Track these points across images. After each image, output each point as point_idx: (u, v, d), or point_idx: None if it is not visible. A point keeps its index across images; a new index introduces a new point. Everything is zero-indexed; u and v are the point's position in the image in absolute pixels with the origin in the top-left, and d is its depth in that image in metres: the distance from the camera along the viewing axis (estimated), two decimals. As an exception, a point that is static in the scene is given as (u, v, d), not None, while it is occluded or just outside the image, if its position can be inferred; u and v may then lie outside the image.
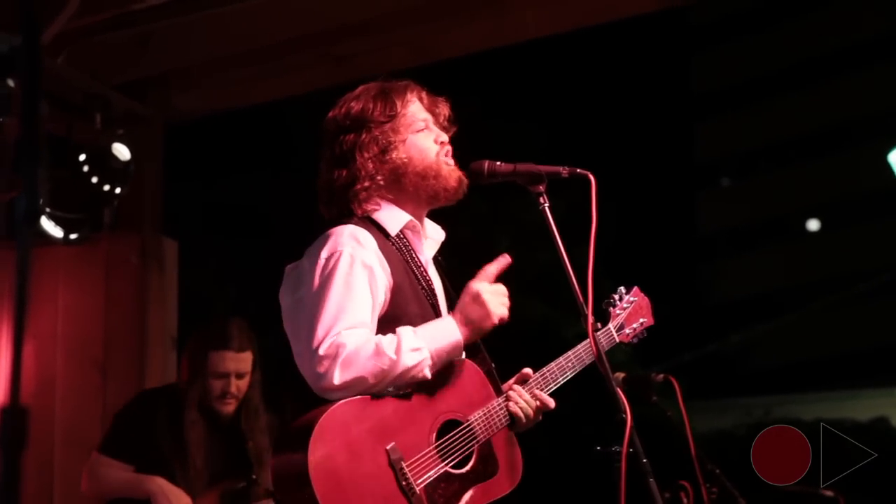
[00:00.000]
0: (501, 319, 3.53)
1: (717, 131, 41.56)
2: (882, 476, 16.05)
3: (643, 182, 33.95)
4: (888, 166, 17.23)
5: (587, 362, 3.87)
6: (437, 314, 3.67)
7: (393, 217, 3.69)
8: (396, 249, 3.65)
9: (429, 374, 3.42)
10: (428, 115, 3.82)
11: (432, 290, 3.71)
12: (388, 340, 3.36)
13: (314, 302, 3.41)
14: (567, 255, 3.49)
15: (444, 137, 3.80)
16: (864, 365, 32.78)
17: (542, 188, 3.60)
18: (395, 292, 3.55)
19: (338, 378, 3.29)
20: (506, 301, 3.57)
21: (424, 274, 3.72)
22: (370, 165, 3.66)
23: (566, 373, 3.83)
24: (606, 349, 4.02)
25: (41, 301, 7.38)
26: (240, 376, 5.49)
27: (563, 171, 3.60)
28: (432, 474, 3.42)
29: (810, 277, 37.54)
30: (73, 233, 6.93)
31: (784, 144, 39.76)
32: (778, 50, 39.26)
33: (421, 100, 3.83)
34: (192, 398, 5.46)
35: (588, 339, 3.90)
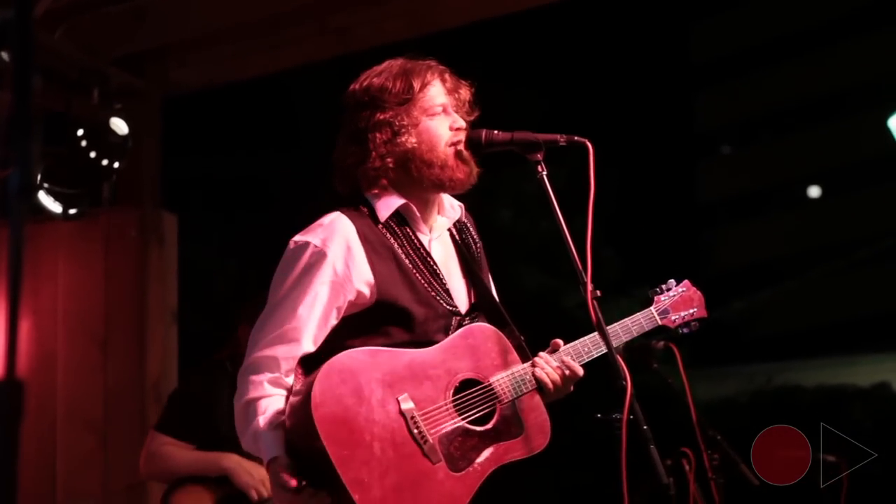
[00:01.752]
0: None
1: (718, 99, 41.46)
2: (883, 441, 16.08)
3: (643, 151, 33.91)
4: (888, 132, 17.23)
5: (624, 339, 3.90)
6: (439, 295, 3.67)
7: (387, 203, 3.68)
8: (388, 234, 3.65)
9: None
10: (447, 99, 3.76)
11: (434, 271, 3.68)
12: (257, 411, 3.47)
13: (270, 300, 3.59)
14: (567, 224, 3.48)
15: (461, 123, 3.75)
16: (865, 331, 32.75)
17: (539, 156, 3.59)
18: (380, 281, 3.54)
19: (240, 382, 3.52)
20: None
21: (425, 256, 3.69)
22: (382, 147, 3.65)
23: (599, 347, 3.80)
24: (647, 330, 4.05)
25: (41, 277, 7.38)
26: None
27: (561, 139, 3.59)
28: (447, 427, 3.45)
29: (811, 244, 37.53)
30: (72, 208, 6.93)
31: (784, 112, 39.67)
32: (777, 17, 39.14)
33: (443, 82, 3.78)
34: None
35: (626, 319, 3.96)
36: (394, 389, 3.38)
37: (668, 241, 34.56)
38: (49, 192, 6.82)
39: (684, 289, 4.26)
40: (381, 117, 3.66)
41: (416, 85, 3.70)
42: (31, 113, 1.68)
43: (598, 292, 3.44)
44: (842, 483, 5.93)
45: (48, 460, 7.14)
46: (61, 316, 7.42)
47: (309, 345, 3.48)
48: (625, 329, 3.92)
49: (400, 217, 3.70)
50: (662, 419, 4.15)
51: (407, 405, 3.37)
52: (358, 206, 3.67)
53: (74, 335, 7.39)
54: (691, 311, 4.22)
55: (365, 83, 3.75)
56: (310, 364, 3.47)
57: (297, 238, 3.58)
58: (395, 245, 3.64)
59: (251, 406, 3.43)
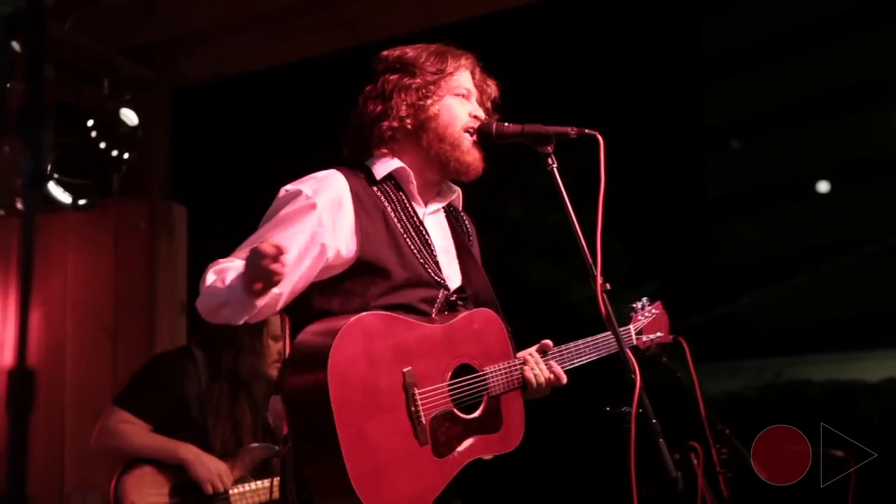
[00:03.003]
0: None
1: (727, 93, 41.41)
2: (892, 436, 16.06)
3: (653, 145, 33.88)
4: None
5: (612, 350, 3.91)
6: (426, 263, 3.65)
7: (384, 164, 3.70)
8: (383, 196, 3.65)
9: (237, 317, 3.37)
10: (473, 89, 3.83)
11: (424, 240, 3.68)
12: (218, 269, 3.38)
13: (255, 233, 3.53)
14: (576, 217, 3.48)
15: (481, 114, 3.79)
16: (874, 326, 32.72)
17: (550, 149, 3.60)
18: (363, 237, 3.52)
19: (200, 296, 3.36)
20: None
21: (417, 225, 3.69)
22: (403, 108, 3.68)
23: (589, 355, 3.89)
24: (623, 348, 4.08)
25: (51, 267, 7.39)
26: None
27: (571, 131, 3.59)
28: (440, 410, 3.43)
29: (820, 239, 37.48)
30: (81, 199, 6.94)
31: (793, 106, 39.59)
32: (787, 12, 39.06)
33: (473, 74, 3.85)
34: (256, 363, 5.49)
35: (621, 329, 3.96)
36: (402, 361, 3.36)
37: (677, 236, 34.55)
38: (59, 182, 6.83)
39: (657, 311, 4.38)
40: (409, 82, 3.71)
41: (451, 64, 3.76)
42: (43, 102, 1.68)
43: (608, 286, 3.44)
44: (850, 478, 5.92)
45: (57, 450, 7.15)
46: (70, 306, 7.43)
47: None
48: (601, 344, 3.99)
49: (396, 183, 3.72)
50: (671, 413, 4.14)
51: (410, 380, 3.35)
52: (354, 166, 3.69)
53: (83, 326, 7.40)
54: (658, 334, 4.35)
55: (398, 52, 3.81)
56: (293, 326, 3.45)
57: (289, 186, 3.57)
58: (388, 208, 3.64)
59: (213, 281, 3.35)
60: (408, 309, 3.54)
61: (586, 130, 3.57)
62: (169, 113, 8.00)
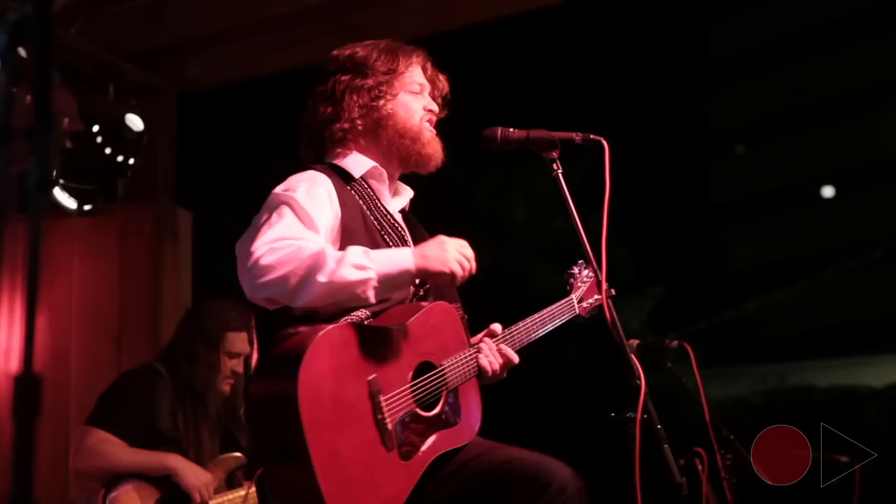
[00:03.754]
0: (454, 272, 3.42)
1: (732, 98, 41.39)
2: (897, 442, 16.03)
3: (658, 149, 33.85)
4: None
5: (559, 322, 3.96)
6: None
7: (357, 163, 3.72)
8: (357, 195, 3.65)
9: (372, 297, 3.32)
10: (426, 83, 3.87)
11: (400, 237, 3.70)
12: (331, 250, 3.31)
13: (261, 225, 3.41)
14: (581, 222, 3.49)
15: (434, 107, 3.86)
16: (878, 331, 32.66)
17: (555, 154, 3.61)
18: (346, 235, 3.52)
19: (266, 267, 3.25)
20: (464, 259, 3.46)
21: (392, 222, 3.71)
22: (355, 110, 3.71)
23: (538, 330, 3.89)
24: (567, 319, 4.09)
25: (56, 272, 7.40)
26: (243, 357, 5.61)
27: (577, 137, 3.61)
28: (404, 413, 3.42)
29: (825, 244, 37.45)
30: (87, 204, 6.95)
31: (798, 111, 39.58)
32: (792, 16, 39.05)
33: (424, 69, 3.89)
34: (211, 377, 5.51)
35: (563, 300, 4.06)
36: (366, 370, 3.33)
37: (682, 240, 34.52)
38: (64, 187, 6.84)
39: (592, 275, 4.27)
40: (361, 83, 3.74)
41: (402, 62, 3.80)
42: (50, 109, 1.69)
43: (613, 291, 3.44)
44: (854, 484, 5.91)
45: (61, 456, 7.14)
46: (75, 312, 7.44)
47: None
48: (561, 310, 4.03)
49: (367, 181, 3.73)
50: (676, 419, 4.14)
51: (375, 388, 3.33)
52: (327, 167, 3.69)
53: (88, 331, 7.41)
54: (597, 297, 4.24)
55: (348, 51, 3.84)
56: (277, 321, 3.42)
57: (278, 190, 3.53)
58: (363, 206, 3.65)
59: (325, 251, 3.28)
60: (385, 302, 3.52)
61: (591, 136, 3.58)
62: (174, 118, 8.01)
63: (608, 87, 31.57)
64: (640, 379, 3.31)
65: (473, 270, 3.50)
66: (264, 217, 3.44)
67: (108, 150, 6.92)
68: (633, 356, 3.38)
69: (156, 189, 7.73)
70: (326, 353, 3.24)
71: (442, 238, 3.48)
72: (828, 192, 40.94)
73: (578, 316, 4.19)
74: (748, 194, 40.98)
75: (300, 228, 3.38)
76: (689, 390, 5.13)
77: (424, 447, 3.47)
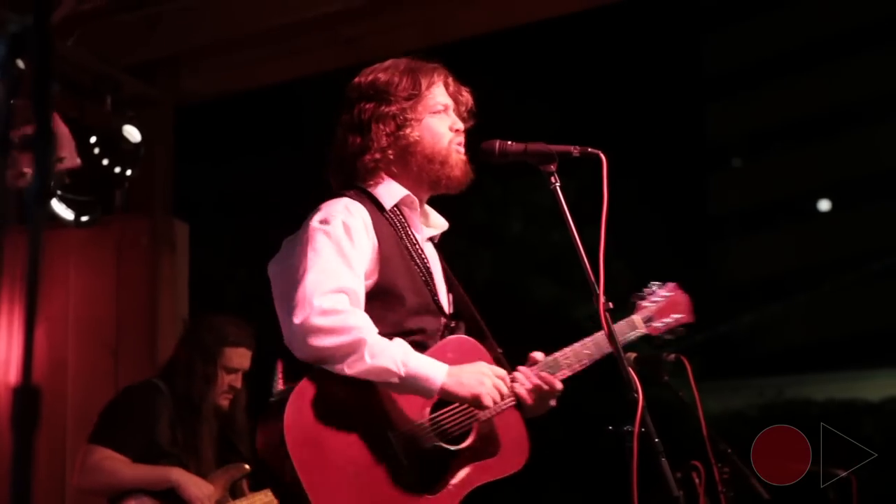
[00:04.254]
0: (479, 403, 3.44)
1: (729, 111, 41.46)
2: (893, 456, 16.04)
3: (655, 162, 33.88)
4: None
5: (605, 351, 3.79)
6: (431, 291, 3.67)
7: (390, 191, 3.70)
8: (389, 223, 3.65)
9: (385, 386, 3.37)
10: (449, 101, 3.82)
11: (427, 268, 3.70)
12: (373, 338, 3.32)
13: (305, 265, 3.40)
14: (579, 235, 3.48)
15: (460, 126, 3.82)
16: (875, 345, 32.71)
17: (553, 168, 3.59)
18: (384, 264, 3.54)
19: (314, 331, 3.27)
20: (497, 396, 3.47)
21: (420, 251, 3.71)
22: (383, 139, 3.68)
23: (582, 360, 3.79)
24: (630, 339, 4.03)
25: (53, 284, 7.39)
26: (244, 373, 5.64)
27: (575, 150, 3.59)
28: (423, 447, 3.41)
29: (822, 258, 37.48)
30: (84, 215, 6.94)
31: (795, 125, 39.65)
32: (789, 30, 39.14)
33: (446, 85, 3.84)
34: (207, 391, 5.53)
35: (622, 321, 3.97)
36: (370, 408, 3.35)
37: (679, 253, 34.53)
38: (61, 199, 6.84)
39: (670, 293, 4.25)
40: (386, 110, 3.70)
41: (423, 83, 3.76)
42: (50, 121, 1.69)
43: (611, 304, 3.44)
44: (852, 498, 5.91)
45: (58, 468, 7.13)
46: (72, 323, 7.43)
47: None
48: (605, 340, 3.77)
49: (400, 209, 3.73)
50: (673, 432, 4.13)
51: (380, 425, 3.34)
52: (360, 193, 3.68)
53: (85, 342, 7.40)
54: (677, 316, 4.22)
55: (370, 77, 3.80)
56: (290, 361, 3.43)
57: (314, 222, 3.51)
58: (396, 234, 3.65)
59: (377, 343, 3.31)
60: (421, 333, 3.55)
61: (589, 150, 3.57)
62: (171, 130, 8.01)
63: (606, 101, 31.61)
64: (637, 392, 3.30)
65: (501, 406, 3.54)
66: (304, 253, 3.44)
67: (105, 162, 6.92)
68: (630, 369, 3.37)
69: (153, 200, 7.72)
70: (314, 396, 3.27)
71: (483, 369, 3.49)
72: (825, 205, 41.01)
73: (650, 336, 4.13)
74: (745, 207, 41.04)
75: (341, 270, 3.39)
76: (687, 404, 5.12)
77: (455, 480, 3.46)
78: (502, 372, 3.53)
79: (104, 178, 6.98)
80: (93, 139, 6.88)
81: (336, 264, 3.40)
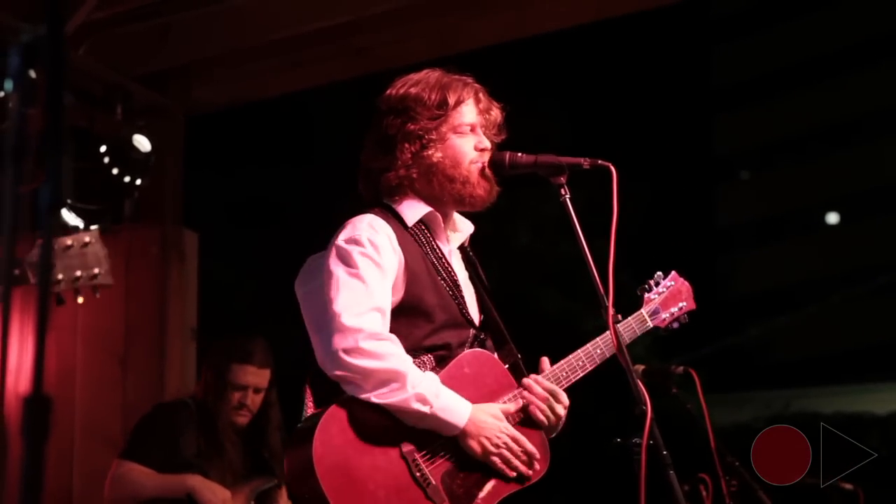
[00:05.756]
0: (486, 455, 3.50)
1: (737, 124, 41.41)
2: (901, 469, 15.99)
3: (664, 174, 33.86)
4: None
5: (607, 356, 3.80)
6: (460, 305, 3.69)
7: (413, 209, 3.71)
8: (414, 240, 3.67)
9: (407, 419, 3.42)
10: (478, 119, 3.79)
11: (454, 281, 3.71)
12: (411, 371, 3.38)
13: (336, 285, 3.45)
14: (588, 247, 3.48)
15: (486, 144, 3.78)
16: (883, 358, 32.60)
17: (563, 180, 3.61)
18: (410, 281, 3.57)
19: (357, 354, 3.33)
20: (505, 454, 3.53)
21: (446, 265, 3.73)
22: (408, 157, 3.69)
23: (585, 367, 3.80)
24: (640, 334, 4.03)
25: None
26: (257, 391, 5.71)
27: (585, 162, 3.60)
28: (449, 464, 3.44)
29: (830, 270, 37.41)
30: (93, 224, 6.94)
31: (803, 137, 39.58)
32: (798, 42, 39.11)
33: (476, 101, 3.81)
34: (219, 406, 5.65)
35: (630, 318, 3.95)
36: (394, 430, 3.38)
37: (686, 266, 34.40)
38: (71, 207, 6.85)
39: (672, 282, 4.25)
40: (412, 128, 3.69)
41: (451, 100, 3.73)
42: (62, 130, 1.69)
43: (619, 316, 3.44)
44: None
45: (66, 476, 7.14)
46: (81, 332, 7.42)
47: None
48: (607, 344, 3.82)
49: (424, 224, 3.74)
50: (680, 444, 4.13)
51: (407, 447, 3.37)
52: (384, 210, 3.71)
53: (94, 351, 7.40)
54: (681, 305, 4.21)
55: (402, 91, 3.78)
56: (320, 386, 3.48)
57: (340, 241, 3.56)
58: (422, 250, 3.67)
59: (410, 373, 3.39)
60: (446, 348, 3.58)
61: (599, 162, 3.57)
62: (182, 139, 8.02)
63: (614, 112, 31.61)
64: (645, 405, 3.30)
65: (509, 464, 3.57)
66: (333, 272, 3.50)
67: (115, 171, 6.94)
68: (638, 382, 3.37)
69: (163, 210, 7.72)
70: (341, 423, 3.32)
71: (504, 424, 3.54)
72: (833, 218, 40.94)
73: (657, 329, 4.13)
74: (753, 220, 40.98)
75: (373, 288, 3.46)
76: (694, 416, 5.12)
77: (483, 494, 3.50)
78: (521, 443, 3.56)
79: (114, 187, 7.00)
80: (103, 148, 6.90)
81: (367, 282, 3.45)
